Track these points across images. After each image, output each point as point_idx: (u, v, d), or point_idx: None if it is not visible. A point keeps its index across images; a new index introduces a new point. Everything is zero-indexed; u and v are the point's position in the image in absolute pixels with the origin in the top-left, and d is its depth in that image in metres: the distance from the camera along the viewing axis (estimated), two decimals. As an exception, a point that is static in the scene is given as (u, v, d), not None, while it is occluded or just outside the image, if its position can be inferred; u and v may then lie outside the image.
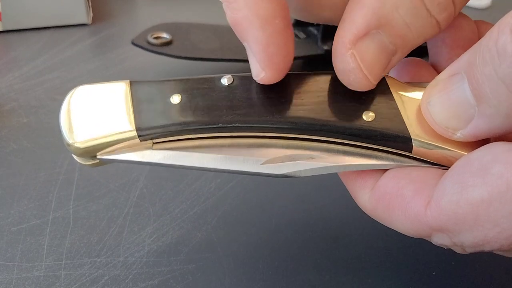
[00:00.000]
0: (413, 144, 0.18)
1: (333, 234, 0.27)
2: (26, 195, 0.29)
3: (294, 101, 0.19)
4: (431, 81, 0.18)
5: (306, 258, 0.25)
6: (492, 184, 0.15)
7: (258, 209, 0.28)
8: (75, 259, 0.25)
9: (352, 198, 0.20)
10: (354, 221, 0.27)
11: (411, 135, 0.18)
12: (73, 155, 0.19)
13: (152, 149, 0.19)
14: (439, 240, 0.17)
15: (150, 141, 0.19)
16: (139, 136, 0.19)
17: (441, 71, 0.18)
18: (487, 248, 0.16)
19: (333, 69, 0.19)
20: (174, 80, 0.20)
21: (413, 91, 0.19)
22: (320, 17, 0.22)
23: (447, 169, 0.17)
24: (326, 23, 0.22)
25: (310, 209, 0.28)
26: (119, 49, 0.44)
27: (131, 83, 0.20)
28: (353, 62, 0.18)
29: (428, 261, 0.25)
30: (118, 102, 0.19)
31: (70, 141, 0.19)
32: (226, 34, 0.40)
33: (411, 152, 0.19)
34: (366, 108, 0.19)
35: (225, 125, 0.19)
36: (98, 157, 0.19)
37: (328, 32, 0.39)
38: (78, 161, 0.20)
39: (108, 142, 0.19)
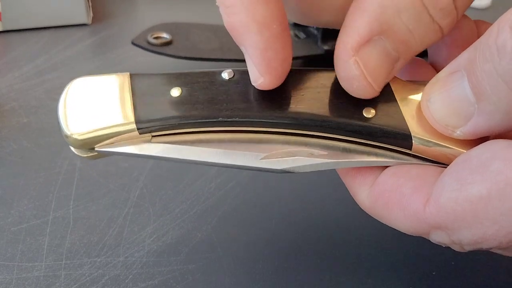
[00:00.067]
0: (413, 141, 0.18)
1: (333, 234, 0.27)
2: (26, 195, 0.28)
3: (295, 97, 0.19)
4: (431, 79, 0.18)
5: (306, 258, 0.25)
6: (491, 181, 0.15)
7: (258, 209, 0.28)
8: (75, 259, 0.25)
9: (352, 198, 0.20)
10: (354, 221, 0.27)
11: (411, 133, 0.18)
12: (71, 147, 0.19)
13: (151, 142, 0.19)
14: (437, 237, 0.17)
15: (149, 134, 0.19)
16: (138, 128, 0.19)
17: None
18: (485, 246, 0.16)
19: (333, 67, 0.19)
20: (174, 73, 0.20)
21: (414, 88, 0.19)
22: (319, 21, 0.22)
23: (447, 167, 0.17)
24: (325, 27, 0.22)
25: (310, 209, 0.28)
26: (119, 49, 0.44)
27: (131, 76, 0.20)
28: (356, 69, 0.18)
29: (428, 261, 0.25)
30: (117, 94, 0.19)
31: (69, 133, 0.19)
32: (226, 34, 0.39)
33: (410, 150, 0.19)
34: (367, 104, 0.19)
35: (225, 119, 0.19)
36: (96, 149, 0.19)
37: (328, 32, 0.39)
38: (76, 153, 0.20)
39: (106, 134, 0.19)
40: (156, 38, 0.39)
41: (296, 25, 0.42)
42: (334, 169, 0.20)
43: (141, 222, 0.27)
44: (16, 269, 0.24)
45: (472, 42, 0.17)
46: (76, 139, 0.19)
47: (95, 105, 0.19)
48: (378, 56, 0.18)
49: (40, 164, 0.31)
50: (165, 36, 0.40)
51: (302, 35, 0.41)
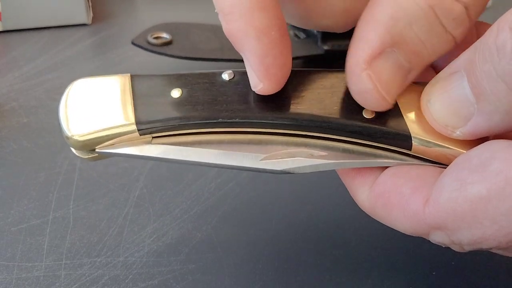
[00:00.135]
0: (412, 142, 0.18)
1: (333, 234, 0.27)
2: (26, 195, 0.28)
3: (294, 97, 0.19)
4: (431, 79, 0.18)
5: (306, 258, 0.25)
6: (491, 181, 0.15)
7: (258, 209, 0.28)
8: (75, 259, 0.25)
9: (352, 198, 0.20)
10: (354, 222, 0.27)
11: (411, 133, 0.18)
12: (71, 148, 0.19)
13: (151, 143, 0.19)
14: (437, 238, 0.17)
15: (150, 135, 0.19)
16: (138, 130, 0.19)
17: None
18: (485, 246, 0.16)
19: (333, 67, 0.19)
20: (174, 74, 0.20)
21: (413, 89, 0.19)
22: (319, 25, 0.21)
23: (446, 167, 0.17)
24: (325, 30, 0.22)
25: (310, 210, 0.28)
26: (119, 49, 0.44)
27: (131, 77, 0.20)
28: (369, 83, 0.18)
29: (428, 261, 0.25)
30: (118, 96, 0.19)
31: (69, 134, 0.19)
32: (226, 34, 0.40)
33: (410, 150, 0.19)
34: None
35: (225, 120, 0.19)
36: (97, 150, 0.19)
37: (328, 32, 0.39)
38: (77, 154, 0.20)
39: (107, 136, 0.19)
40: (156, 38, 0.39)
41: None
42: (334, 170, 0.21)
43: (141, 222, 0.27)
44: (16, 269, 0.24)
45: (471, 43, 0.17)
46: (77, 141, 0.19)
47: (96, 107, 0.19)
48: (390, 69, 0.18)
49: (40, 164, 0.31)
50: (165, 36, 0.40)
51: (302, 35, 0.41)
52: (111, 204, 0.28)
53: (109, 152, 0.19)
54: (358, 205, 0.20)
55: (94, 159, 0.20)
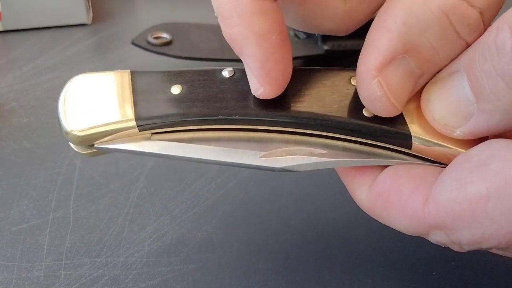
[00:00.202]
0: (412, 141, 0.18)
1: (333, 234, 0.27)
2: (26, 195, 0.28)
3: (295, 95, 0.19)
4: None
5: (306, 258, 0.25)
6: (491, 180, 0.15)
7: (258, 209, 0.28)
8: (75, 259, 0.25)
9: (351, 198, 0.20)
10: (354, 221, 0.27)
11: (411, 132, 0.18)
12: (70, 143, 0.19)
13: (151, 139, 0.19)
14: (436, 237, 0.17)
15: (149, 131, 0.19)
16: (138, 126, 0.19)
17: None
18: (484, 246, 0.16)
19: (333, 66, 0.19)
20: (174, 71, 0.20)
21: None
22: (320, 28, 0.21)
23: (446, 167, 0.17)
24: (326, 34, 0.22)
25: (310, 210, 0.28)
26: (119, 49, 0.44)
27: (131, 73, 0.20)
28: (380, 90, 0.17)
29: (428, 261, 0.25)
30: (117, 91, 0.19)
31: (68, 129, 0.19)
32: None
33: (410, 149, 0.19)
34: None
35: (225, 117, 0.19)
36: (96, 146, 0.19)
37: (328, 32, 0.39)
38: (75, 149, 0.20)
39: (106, 131, 0.19)
40: (156, 38, 0.39)
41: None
42: (334, 169, 0.21)
43: (141, 222, 0.27)
44: (16, 269, 0.24)
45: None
46: (75, 135, 0.19)
47: (95, 102, 0.19)
48: (401, 76, 0.17)
49: (40, 164, 0.31)
50: (165, 36, 0.40)
51: (302, 35, 0.41)
52: (111, 204, 0.28)
53: (108, 148, 0.19)
54: (358, 204, 0.20)
55: (92, 154, 0.20)
